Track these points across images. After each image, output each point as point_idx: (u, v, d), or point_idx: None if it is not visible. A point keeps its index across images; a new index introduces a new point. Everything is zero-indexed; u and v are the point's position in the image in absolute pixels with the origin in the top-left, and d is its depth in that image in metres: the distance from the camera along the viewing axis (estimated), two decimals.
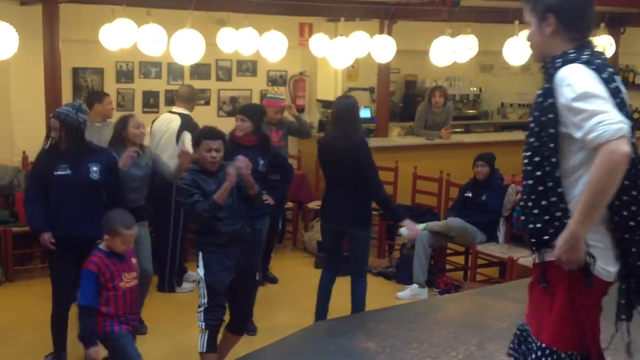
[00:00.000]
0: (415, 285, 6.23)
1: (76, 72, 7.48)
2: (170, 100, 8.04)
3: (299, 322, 5.59)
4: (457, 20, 7.17)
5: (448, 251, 6.82)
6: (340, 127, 4.99)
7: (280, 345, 4.61)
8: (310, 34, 8.04)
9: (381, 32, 7.59)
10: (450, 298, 5.88)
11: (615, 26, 8.57)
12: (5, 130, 6.91)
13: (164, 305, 5.82)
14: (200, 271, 4.30)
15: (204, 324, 4.22)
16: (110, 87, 7.66)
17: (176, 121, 6.03)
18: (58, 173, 4.44)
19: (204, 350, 4.23)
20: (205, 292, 4.24)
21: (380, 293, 6.24)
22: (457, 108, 10.05)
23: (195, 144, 4.41)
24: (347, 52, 6.83)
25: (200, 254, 4.31)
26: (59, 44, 6.16)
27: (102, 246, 3.89)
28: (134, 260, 3.99)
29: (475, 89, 10.70)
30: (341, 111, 5.03)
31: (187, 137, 5.81)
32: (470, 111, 10.64)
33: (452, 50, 6.71)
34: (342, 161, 4.94)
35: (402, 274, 6.51)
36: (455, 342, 4.43)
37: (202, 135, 4.38)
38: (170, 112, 6.20)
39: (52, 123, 4.50)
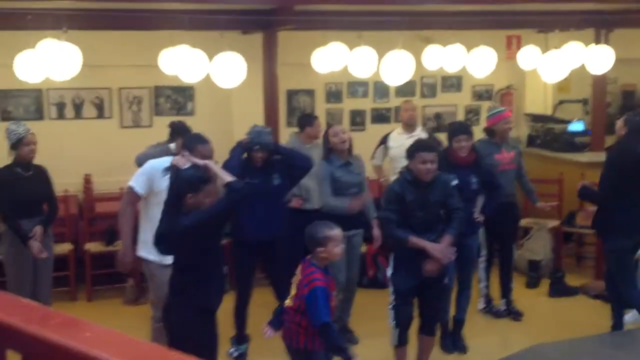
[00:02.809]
0: (635, 311, 5.81)
1: (290, 94, 7.92)
2: (377, 118, 8.29)
3: (509, 342, 5.47)
4: None
5: None
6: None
7: None
8: (518, 47, 7.82)
9: (597, 41, 7.19)
10: None
11: None
12: (229, 149, 7.47)
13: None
14: (389, 271, 4.66)
15: (394, 321, 4.60)
16: (320, 107, 8.01)
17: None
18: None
19: (396, 344, 4.65)
20: (393, 292, 4.61)
21: (599, 317, 5.88)
22: None
23: (410, 156, 4.53)
24: (559, 65, 6.55)
25: (392, 255, 4.65)
26: (277, 69, 6.57)
27: (315, 262, 3.84)
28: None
29: None
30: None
31: None
32: None
33: None
34: None
35: None
36: None
37: (418, 147, 4.52)
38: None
39: (261, 154, 5.00)
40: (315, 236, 3.84)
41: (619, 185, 5.05)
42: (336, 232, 3.88)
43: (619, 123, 5.26)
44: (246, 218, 4.95)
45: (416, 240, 4.41)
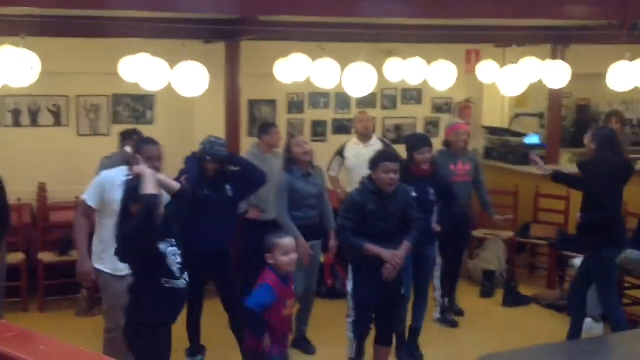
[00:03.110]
0: (589, 320, 5.94)
1: (252, 104, 7.91)
2: (338, 129, 8.32)
3: (464, 351, 5.53)
4: (636, 43, 6.82)
5: (626, 284, 6.44)
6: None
7: None
8: (477, 61, 7.96)
9: (553, 57, 7.36)
10: (630, 334, 5.52)
11: None
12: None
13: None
14: (349, 285, 4.61)
15: (352, 335, 4.61)
16: (282, 117, 8.02)
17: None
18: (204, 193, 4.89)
19: (353, 356, 4.65)
20: (353, 306, 4.59)
21: (551, 326, 6.01)
22: (635, 133, 9.50)
23: (373, 165, 4.55)
24: (518, 79, 6.69)
25: (351, 268, 4.62)
26: (240, 79, 6.55)
27: (273, 268, 3.90)
28: (292, 287, 4.05)
29: None
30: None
31: None
32: None
33: (631, 74, 6.36)
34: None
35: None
36: None
37: (381, 157, 4.55)
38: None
39: (213, 165, 4.89)
40: (266, 242, 3.92)
41: (602, 195, 5.18)
42: (285, 241, 3.91)
43: (587, 138, 5.39)
44: (196, 230, 4.82)
45: (371, 247, 4.43)
